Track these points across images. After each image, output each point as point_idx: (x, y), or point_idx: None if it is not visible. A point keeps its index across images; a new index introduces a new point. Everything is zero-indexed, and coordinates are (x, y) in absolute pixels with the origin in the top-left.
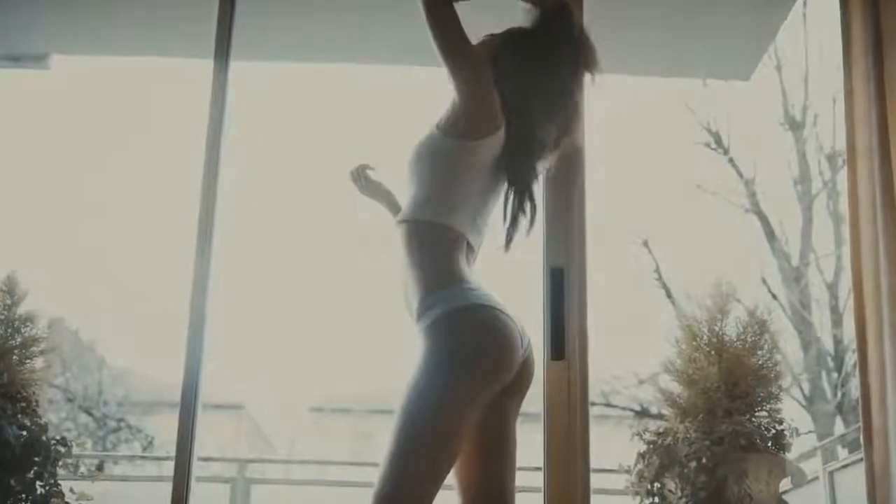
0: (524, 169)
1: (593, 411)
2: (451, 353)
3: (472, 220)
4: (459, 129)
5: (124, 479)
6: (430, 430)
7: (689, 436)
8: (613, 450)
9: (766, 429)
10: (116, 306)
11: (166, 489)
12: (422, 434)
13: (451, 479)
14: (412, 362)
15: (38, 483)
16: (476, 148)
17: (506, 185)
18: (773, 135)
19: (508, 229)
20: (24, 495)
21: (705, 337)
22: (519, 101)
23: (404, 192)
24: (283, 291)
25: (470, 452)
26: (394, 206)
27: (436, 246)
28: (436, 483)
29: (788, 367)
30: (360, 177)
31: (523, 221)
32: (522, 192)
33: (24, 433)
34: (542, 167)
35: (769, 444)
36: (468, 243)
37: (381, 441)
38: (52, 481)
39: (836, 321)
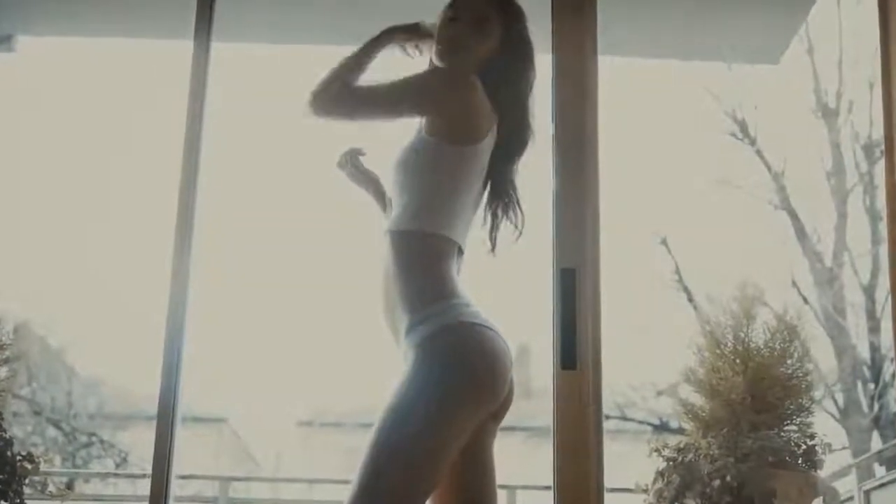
0: (504, 170)
1: (607, 425)
2: (444, 374)
3: (464, 225)
4: (454, 135)
5: (97, 498)
6: (414, 452)
7: (711, 452)
8: (630, 467)
9: (797, 444)
10: (88, 310)
11: None
12: (404, 455)
13: None
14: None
15: (2, 503)
16: (474, 152)
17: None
18: (805, 123)
19: (491, 233)
20: None
21: (730, 344)
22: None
23: (392, 197)
24: (269, 295)
25: (448, 478)
26: (382, 197)
27: (427, 258)
28: None
29: (821, 376)
30: (349, 163)
31: (507, 224)
32: (503, 195)
33: None
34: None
35: (799, 461)
36: (459, 248)
37: None
38: (18, 501)
39: (873, 327)
